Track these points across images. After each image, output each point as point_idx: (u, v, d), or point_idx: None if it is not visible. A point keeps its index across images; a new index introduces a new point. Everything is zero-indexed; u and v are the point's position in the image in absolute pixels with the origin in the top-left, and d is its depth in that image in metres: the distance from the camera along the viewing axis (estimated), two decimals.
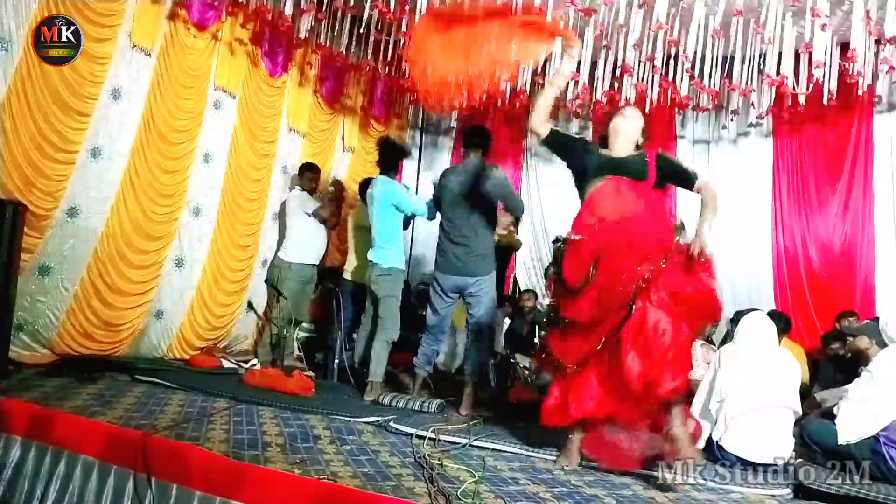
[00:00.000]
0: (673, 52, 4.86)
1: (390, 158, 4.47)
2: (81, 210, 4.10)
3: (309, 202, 5.12)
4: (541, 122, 3.03)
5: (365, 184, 5.27)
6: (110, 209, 4.27)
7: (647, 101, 5.08)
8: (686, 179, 3.00)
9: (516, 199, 4.30)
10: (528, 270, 6.69)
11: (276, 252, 5.19)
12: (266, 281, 5.09)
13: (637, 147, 2.99)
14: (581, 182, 2.99)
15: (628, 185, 2.86)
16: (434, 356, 4.27)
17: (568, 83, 5.22)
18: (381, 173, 4.41)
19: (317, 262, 5.18)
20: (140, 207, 4.41)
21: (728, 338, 4.29)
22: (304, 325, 5.36)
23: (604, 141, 3.05)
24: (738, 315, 3.89)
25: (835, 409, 3.27)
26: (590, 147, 3.05)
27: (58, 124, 3.89)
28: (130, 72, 4.27)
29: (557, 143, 3.09)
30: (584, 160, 2.97)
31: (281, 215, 5.38)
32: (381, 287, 4.29)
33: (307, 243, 5.10)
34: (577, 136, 3.15)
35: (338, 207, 5.36)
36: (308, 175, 5.21)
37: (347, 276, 5.03)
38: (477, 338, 4.06)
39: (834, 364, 4.42)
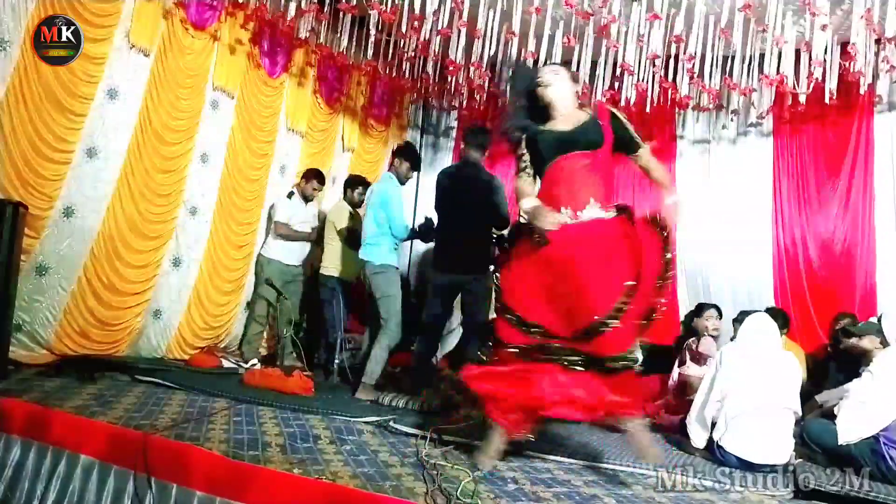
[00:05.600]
0: (673, 51, 4.86)
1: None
2: (77, 209, 4.10)
3: (300, 212, 5.12)
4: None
5: (350, 181, 5.28)
6: (106, 209, 4.27)
7: (648, 101, 5.08)
8: (631, 145, 2.72)
9: (506, 213, 4.22)
10: None
11: (260, 249, 5.21)
12: (266, 281, 5.09)
13: (581, 108, 2.74)
14: (536, 163, 2.74)
15: (582, 158, 2.61)
16: (432, 356, 4.25)
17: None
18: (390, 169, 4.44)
19: (297, 264, 5.18)
20: (136, 207, 4.41)
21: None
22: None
23: (543, 114, 2.76)
24: (742, 315, 3.89)
25: (835, 409, 3.26)
26: (533, 128, 2.75)
27: (53, 124, 3.88)
28: (127, 72, 4.26)
29: (524, 154, 2.78)
30: (534, 143, 2.72)
31: (268, 214, 5.35)
32: (377, 286, 4.20)
33: (288, 245, 5.12)
34: (521, 134, 2.77)
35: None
36: (314, 184, 5.17)
37: (333, 272, 5.03)
38: (473, 336, 4.05)
39: (837, 364, 4.41)
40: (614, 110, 2.74)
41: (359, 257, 4.34)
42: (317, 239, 5.31)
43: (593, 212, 2.57)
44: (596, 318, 2.43)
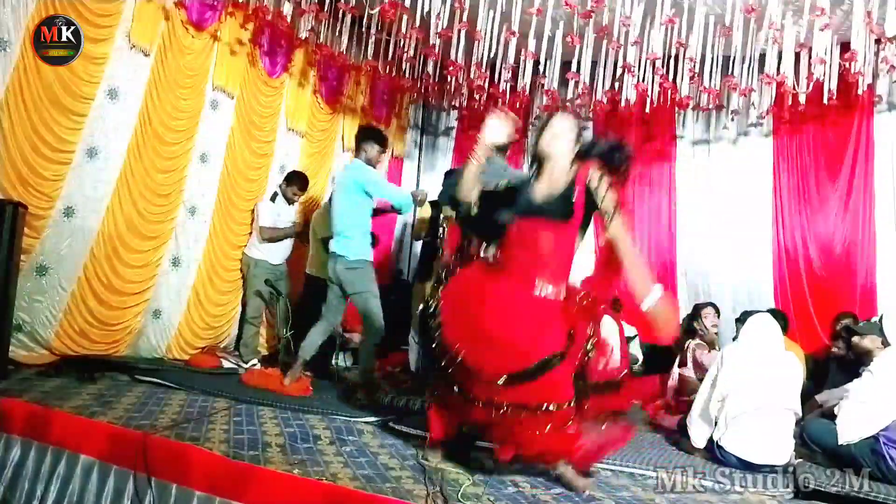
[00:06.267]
0: (673, 52, 4.86)
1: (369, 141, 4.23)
2: (77, 210, 4.10)
3: (283, 214, 5.08)
4: (469, 191, 2.66)
5: None
6: (106, 209, 4.26)
7: (648, 101, 5.08)
8: (605, 212, 2.50)
9: None
10: None
11: (245, 249, 5.17)
12: (266, 281, 5.10)
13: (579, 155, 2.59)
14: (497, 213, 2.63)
15: (546, 226, 2.52)
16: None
17: (569, 82, 5.25)
18: (356, 156, 4.26)
19: (279, 263, 5.14)
20: (136, 207, 4.40)
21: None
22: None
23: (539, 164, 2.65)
24: (745, 315, 3.87)
25: (835, 409, 3.26)
26: (521, 187, 2.65)
27: (53, 124, 3.88)
28: (128, 72, 4.26)
29: (489, 202, 2.66)
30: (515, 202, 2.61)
31: (252, 216, 5.27)
32: (352, 283, 4.00)
33: (273, 245, 5.09)
34: (504, 183, 2.70)
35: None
36: (295, 188, 5.09)
37: (322, 274, 4.95)
38: None
39: (837, 364, 4.42)
40: (594, 178, 2.50)
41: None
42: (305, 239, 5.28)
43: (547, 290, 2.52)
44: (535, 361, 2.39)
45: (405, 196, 4.15)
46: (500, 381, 2.40)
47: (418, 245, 7.05)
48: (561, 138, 2.59)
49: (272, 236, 5.04)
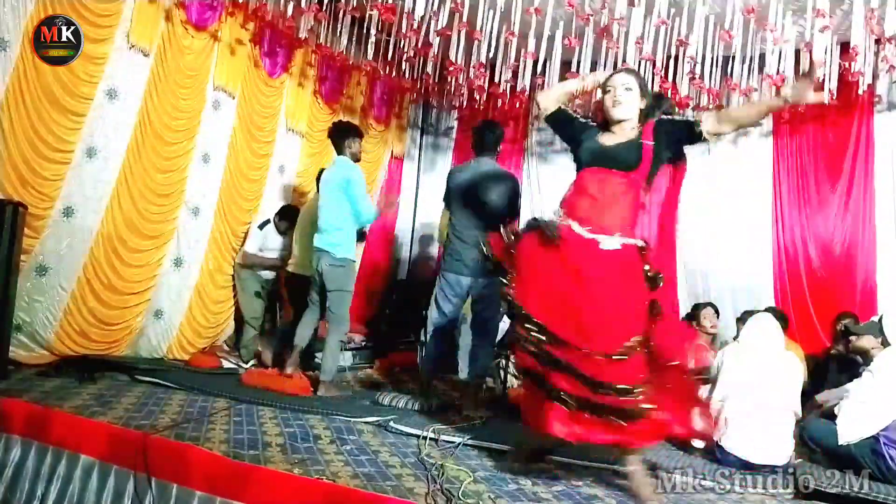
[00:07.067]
0: (673, 52, 4.86)
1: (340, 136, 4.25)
2: (77, 210, 4.10)
3: (270, 242, 5.06)
4: (552, 101, 2.78)
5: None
6: (106, 209, 4.26)
7: None
8: (693, 132, 2.66)
9: (518, 211, 4.13)
10: None
11: (237, 257, 5.16)
12: (264, 284, 5.08)
13: (644, 114, 2.66)
14: (577, 164, 2.74)
15: (614, 178, 2.57)
16: (441, 358, 4.19)
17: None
18: (340, 154, 4.24)
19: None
20: (136, 207, 4.40)
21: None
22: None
23: (605, 124, 2.72)
24: (746, 314, 3.87)
25: (836, 409, 3.26)
26: (589, 133, 2.71)
27: (52, 124, 3.88)
28: (127, 72, 4.25)
29: (560, 120, 2.80)
30: (579, 145, 2.71)
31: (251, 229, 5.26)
32: (335, 280, 4.03)
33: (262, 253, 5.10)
34: (582, 120, 2.76)
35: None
36: (286, 224, 5.03)
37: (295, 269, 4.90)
38: (483, 339, 4.01)
39: (837, 364, 4.42)
40: (661, 118, 2.63)
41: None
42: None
43: (616, 240, 2.51)
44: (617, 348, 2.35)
45: (373, 211, 4.17)
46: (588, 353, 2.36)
47: (418, 246, 7.07)
48: (622, 105, 2.62)
49: (253, 263, 5.02)
